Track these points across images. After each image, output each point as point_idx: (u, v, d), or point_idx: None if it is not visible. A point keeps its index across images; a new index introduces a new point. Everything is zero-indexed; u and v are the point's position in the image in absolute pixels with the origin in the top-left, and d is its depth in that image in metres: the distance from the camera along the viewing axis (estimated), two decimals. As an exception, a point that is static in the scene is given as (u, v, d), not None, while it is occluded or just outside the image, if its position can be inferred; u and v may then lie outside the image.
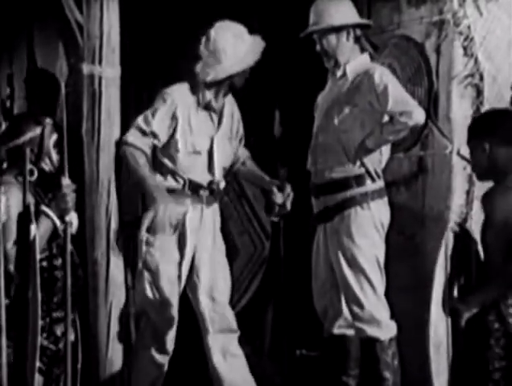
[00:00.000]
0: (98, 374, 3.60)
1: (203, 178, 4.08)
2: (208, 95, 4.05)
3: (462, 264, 3.42)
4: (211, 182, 4.09)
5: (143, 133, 3.98)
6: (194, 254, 4.10)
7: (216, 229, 4.18)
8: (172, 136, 4.00)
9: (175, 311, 4.07)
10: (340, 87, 4.19)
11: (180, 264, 4.06)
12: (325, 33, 4.13)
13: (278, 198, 4.08)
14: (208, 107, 4.07)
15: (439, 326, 3.49)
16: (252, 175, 4.29)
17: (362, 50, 4.24)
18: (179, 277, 4.07)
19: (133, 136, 3.95)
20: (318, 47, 4.19)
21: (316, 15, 4.15)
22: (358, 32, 4.17)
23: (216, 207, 4.19)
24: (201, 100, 4.04)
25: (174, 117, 3.99)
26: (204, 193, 4.09)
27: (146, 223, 4.03)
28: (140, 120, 3.96)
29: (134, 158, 3.85)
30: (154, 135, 3.97)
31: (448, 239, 3.46)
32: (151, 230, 4.04)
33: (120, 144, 3.81)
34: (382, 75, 4.08)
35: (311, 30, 4.17)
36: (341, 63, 4.17)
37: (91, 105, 3.61)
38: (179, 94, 4.01)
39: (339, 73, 4.19)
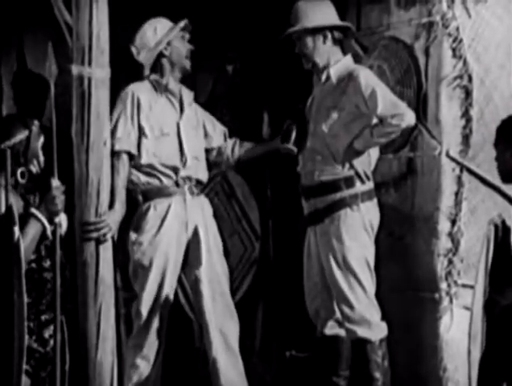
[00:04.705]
0: (87, 375, 3.59)
1: (176, 163, 4.11)
2: (164, 79, 4.15)
3: (501, 255, 3.46)
4: (176, 165, 4.10)
5: (127, 134, 4.02)
6: (188, 246, 4.12)
7: (207, 220, 4.18)
8: (139, 125, 4.07)
9: (169, 305, 4.09)
10: (325, 91, 4.20)
11: (172, 257, 4.07)
12: (302, 35, 4.15)
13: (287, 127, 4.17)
14: (167, 90, 4.15)
15: (477, 317, 3.51)
16: (255, 146, 4.34)
17: (345, 52, 4.26)
18: (173, 270, 4.08)
19: (118, 143, 3.99)
20: (296, 49, 4.20)
21: (294, 17, 4.16)
22: (337, 34, 4.17)
23: (202, 199, 4.21)
24: (157, 85, 4.13)
25: (139, 107, 4.06)
26: (183, 183, 4.10)
27: (133, 223, 4.06)
28: (117, 124, 4.01)
29: (116, 176, 3.90)
30: (135, 129, 4.03)
31: (490, 231, 3.47)
32: (139, 229, 4.05)
33: (111, 155, 3.85)
34: (368, 79, 4.09)
35: (287, 32, 4.18)
36: (320, 65, 4.18)
37: (80, 107, 3.60)
38: (136, 86, 4.13)
39: (323, 77, 4.20)
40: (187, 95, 4.26)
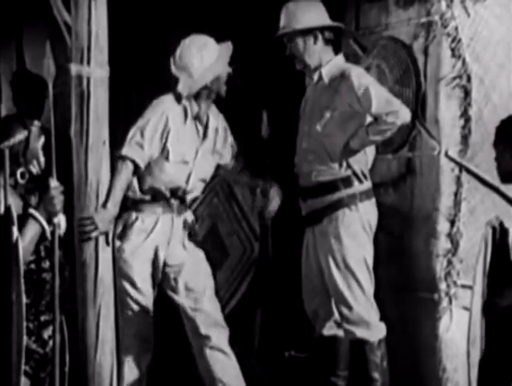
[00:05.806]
0: (87, 376, 3.59)
1: (179, 187, 4.10)
2: (195, 106, 4.08)
3: (499, 257, 3.46)
4: (178, 189, 4.09)
5: (140, 146, 3.97)
6: (165, 261, 4.11)
7: (186, 235, 4.19)
8: (164, 146, 4.02)
9: (151, 311, 4.10)
10: (318, 91, 4.19)
11: (153, 268, 4.08)
12: (292, 37, 4.14)
13: (258, 201, 4.10)
14: (197, 117, 4.10)
15: (476, 318, 3.52)
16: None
17: (341, 51, 4.25)
18: (153, 280, 4.10)
19: (128, 149, 3.95)
20: (287, 51, 4.19)
21: (284, 19, 4.16)
22: (328, 35, 4.15)
23: (186, 215, 4.19)
24: (189, 112, 4.07)
25: (166, 127, 4.00)
26: (174, 202, 4.10)
27: (118, 229, 4.04)
28: (135, 133, 3.97)
29: (117, 177, 3.86)
30: (151, 147, 3.98)
31: (488, 233, 3.48)
32: (124, 237, 4.05)
33: (116, 158, 3.83)
34: (360, 77, 4.08)
35: (278, 34, 4.17)
36: (311, 66, 4.18)
37: (79, 106, 3.59)
38: (168, 104, 4.04)
39: (315, 78, 4.20)
40: (215, 118, 4.19)
